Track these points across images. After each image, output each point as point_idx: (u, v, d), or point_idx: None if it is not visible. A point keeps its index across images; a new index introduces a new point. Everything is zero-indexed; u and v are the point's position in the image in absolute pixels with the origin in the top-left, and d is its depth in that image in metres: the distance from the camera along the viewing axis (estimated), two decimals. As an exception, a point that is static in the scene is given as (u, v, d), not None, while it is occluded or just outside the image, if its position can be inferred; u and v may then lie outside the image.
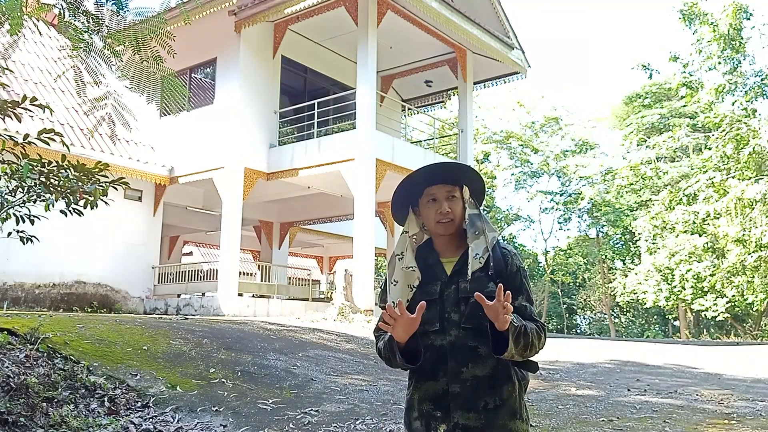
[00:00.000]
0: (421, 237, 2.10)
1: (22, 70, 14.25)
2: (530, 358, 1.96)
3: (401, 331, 1.85)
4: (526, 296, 1.99)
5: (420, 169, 2.03)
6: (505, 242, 2.10)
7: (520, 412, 1.96)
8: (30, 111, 4.78)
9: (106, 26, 5.23)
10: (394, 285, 1.99)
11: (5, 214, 4.69)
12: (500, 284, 1.77)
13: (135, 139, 14.73)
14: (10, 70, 5.84)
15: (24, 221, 4.74)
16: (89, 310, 13.30)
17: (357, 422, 4.58)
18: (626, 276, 29.29)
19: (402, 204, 2.10)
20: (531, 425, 4.72)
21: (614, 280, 31.20)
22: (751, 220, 18.18)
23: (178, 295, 14.72)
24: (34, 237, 4.96)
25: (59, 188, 4.73)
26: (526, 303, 1.98)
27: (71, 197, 4.80)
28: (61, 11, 5.10)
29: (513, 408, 1.95)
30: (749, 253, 19.10)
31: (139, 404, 4.65)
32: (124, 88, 5.79)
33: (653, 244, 26.40)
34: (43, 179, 4.70)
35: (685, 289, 24.07)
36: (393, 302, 1.92)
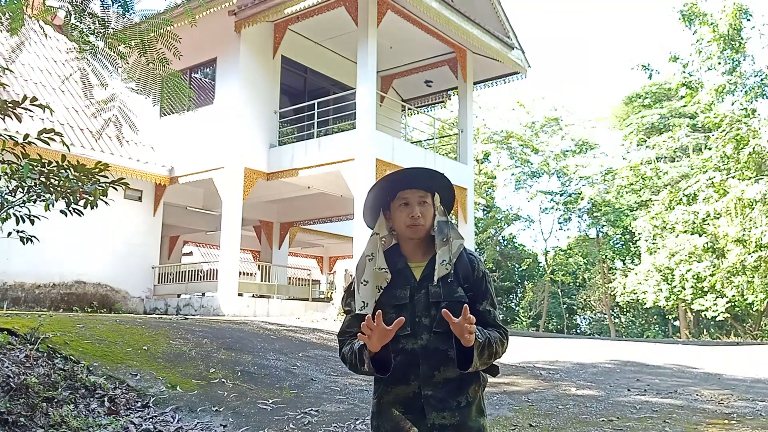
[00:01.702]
0: (389, 241, 2.13)
1: (22, 70, 14.25)
2: (493, 363, 2.04)
3: (376, 341, 1.88)
4: (490, 301, 2.06)
5: (395, 173, 2.08)
6: (471, 249, 2.16)
7: (484, 410, 2.05)
8: (30, 111, 4.78)
9: (112, 28, 5.22)
10: (364, 285, 2.03)
11: (5, 214, 4.69)
12: (466, 305, 1.83)
13: (135, 139, 14.73)
14: (11, 71, 5.84)
15: (24, 221, 4.74)
16: (89, 310, 13.30)
17: (357, 422, 4.59)
18: (626, 276, 29.28)
19: (374, 206, 2.14)
20: (531, 425, 4.74)
21: (614, 280, 31.19)
22: (751, 220, 18.18)
23: (178, 295, 14.71)
24: (34, 237, 4.96)
25: (59, 188, 4.73)
26: (490, 308, 2.06)
27: (71, 197, 4.79)
28: (68, 14, 5.09)
29: (480, 406, 2.03)
30: (749, 253, 19.10)
31: (139, 404, 4.65)
32: (126, 89, 5.79)
33: (653, 244, 26.39)
34: (43, 179, 4.69)
35: (685, 289, 24.05)
36: (364, 303, 1.99)
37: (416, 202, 2.06)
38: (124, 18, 5.41)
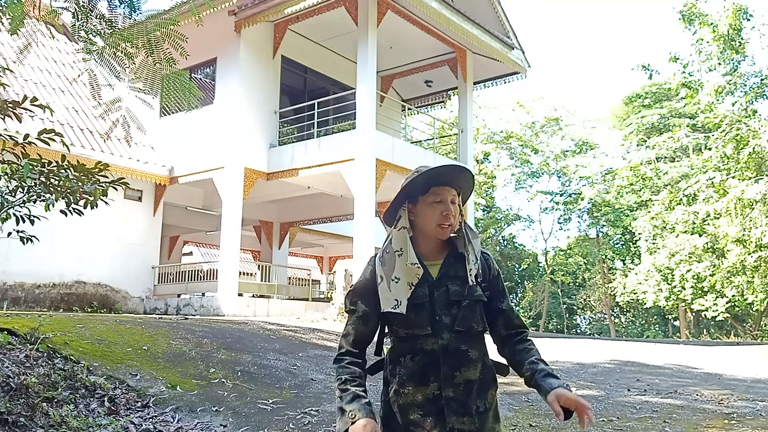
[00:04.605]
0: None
1: (23, 70, 14.25)
2: (502, 363, 2.07)
3: None
4: (507, 300, 2.05)
5: (437, 167, 1.96)
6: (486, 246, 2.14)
7: (499, 416, 2.01)
8: (30, 111, 4.78)
9: (119, 29, 5.21)
10: (396, 282, 1.93)
11: (5, 214, 4.69)
12: (589, 408, 1.82)
13: (135, 138, 14.74)
14: (11, 70, 5.84)
15: (24, 221, 4.74)
16: (89, 310, 13.30)
17: (357, 422, 4.57)
18: (626, 276, 29.28)
19: (406, 196, 2.02)
20: (531, 425, 4.74)
21: (614, 280, 31.20)
22: (751, 220, 18.17)
23: (178, 295, 14.72)
24: (34, 237, 4.96)
25: (59, 188, 4.72)
26: (511, 305, 2.06)
27: (71, 197, 4.79)
28: (75, 15, 5.08)
29: (496, 411, 1.99)
30: (749, 253, 19.09)
31: (139, 404, 4.65)
32: (129, 89, 5.79)
33: (653, 244, 26.39)
34: (43, 179, 4.69)
35: (685, 289, 24.06)
36: (398, 301, 1.91)
37: (450, 200, 1.98)
38: (130, 19, 5.40)
